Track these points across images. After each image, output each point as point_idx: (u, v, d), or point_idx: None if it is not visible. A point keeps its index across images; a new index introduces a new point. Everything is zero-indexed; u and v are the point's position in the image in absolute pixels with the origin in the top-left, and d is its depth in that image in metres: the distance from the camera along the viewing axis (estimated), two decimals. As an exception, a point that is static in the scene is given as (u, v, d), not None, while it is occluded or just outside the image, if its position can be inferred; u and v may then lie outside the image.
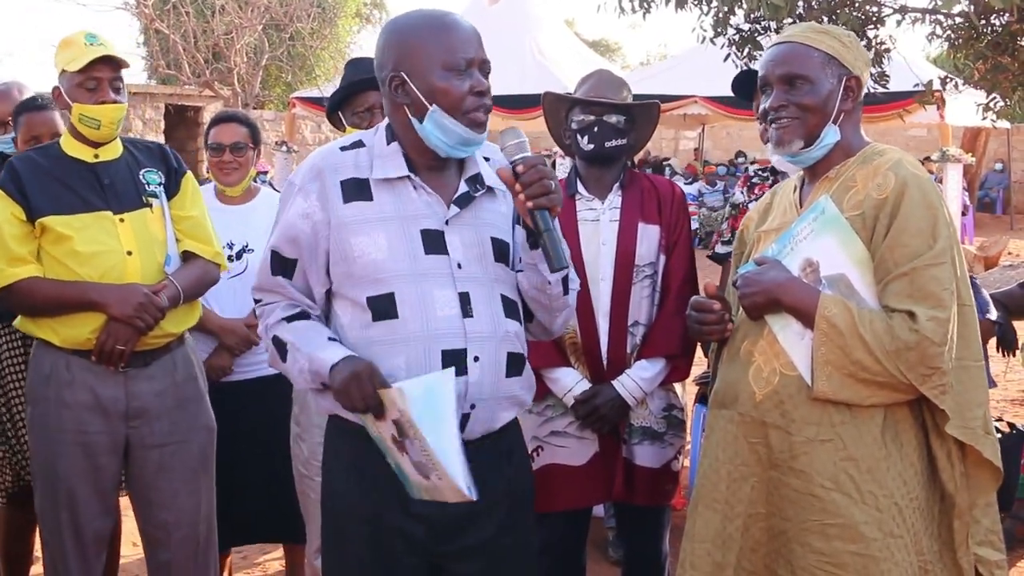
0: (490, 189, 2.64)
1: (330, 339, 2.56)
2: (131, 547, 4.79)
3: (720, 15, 7.06)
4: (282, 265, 2.61)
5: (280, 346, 2.59)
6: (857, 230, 2.56)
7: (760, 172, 3.99)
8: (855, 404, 2.52)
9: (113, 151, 3.56)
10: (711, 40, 7.56)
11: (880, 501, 2.50)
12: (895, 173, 2.57)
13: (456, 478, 2.38)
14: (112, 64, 3.47)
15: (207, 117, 22.62)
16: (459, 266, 2.54)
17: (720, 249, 3.96)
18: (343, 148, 2.64)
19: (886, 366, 2.45)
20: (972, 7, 7.19)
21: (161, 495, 3.55)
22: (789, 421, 2.55)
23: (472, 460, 2.50)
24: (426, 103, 2.50)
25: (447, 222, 2.56)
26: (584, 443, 3.69)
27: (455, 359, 2.49)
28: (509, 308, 2.61)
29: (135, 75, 24.26)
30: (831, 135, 2.66)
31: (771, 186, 3.78)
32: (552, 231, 2.46)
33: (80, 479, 3.44)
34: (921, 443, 2.57)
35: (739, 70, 8.21)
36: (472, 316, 2.53)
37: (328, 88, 19.74)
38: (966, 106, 11.84)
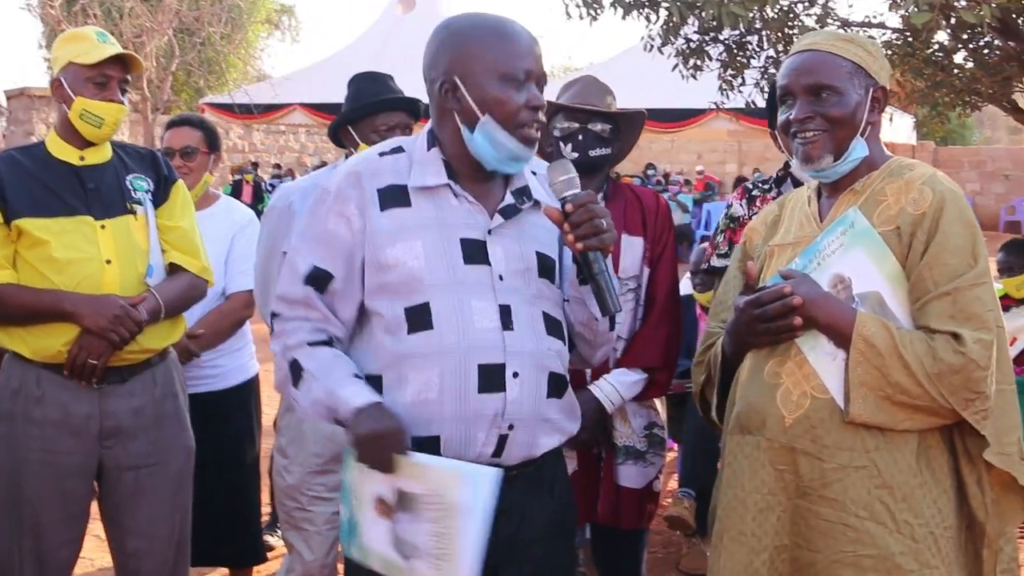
0: (537, 203, 2.48)
1: (355, 375, 2.40)
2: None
3: (670, 24, 7.03)
4: (315, 277, 2.43)
5: (296, 371, 2.42)
6: (891, 246, 2.44)
7: (760, 184, 3.84)
8: (889, 428, 2.39)
9: (101, 155, 3.36)
10: (659, 49, 7.56)
11: (916, 530, 2.37)
12: (932, 188, 2.46)
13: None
14: (123, 66, 3.32)
15: (114, 121, 22.04)
16: (500, 278, 2.39)
17: (716, 262, 3.82)
18: (382, 154, 2.49)
19: (928, 389, 2.33)
20: (902, 23, 7.27)
21: (134, 521, 3.34)
22: (821, 447, 2.41)
23: (511, 490, 2.36)
24: (478, 112, 2.36)
25: (490, 232, 2.42)
26: None
27: (493, 374, 2.34)
28: (552, 326, 2.46)
29: (39, 78, 23.57)
30: (859, 149, 2.53)
31: (775, 199, 3.65)
32: (604, 272, 2.34)
33: (47, 503, 3.22)
34: (952, 468, 2.46)
35: (661, 81, 8.29)
36: (513, 329, 2.37)
37: (238, 95, 19.45)
38: (897, 125, 12.04)
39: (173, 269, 3.41)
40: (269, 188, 21.63)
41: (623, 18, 7.22)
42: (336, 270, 2.42)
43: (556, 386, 2.45)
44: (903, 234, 2.44)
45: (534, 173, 2.56)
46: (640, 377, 3.56)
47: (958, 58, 8.09)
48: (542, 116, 2.42)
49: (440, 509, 2.24)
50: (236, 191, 20.72)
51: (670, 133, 18.18)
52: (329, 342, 2.46)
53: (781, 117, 2.59)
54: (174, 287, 3.36)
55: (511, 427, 2.37)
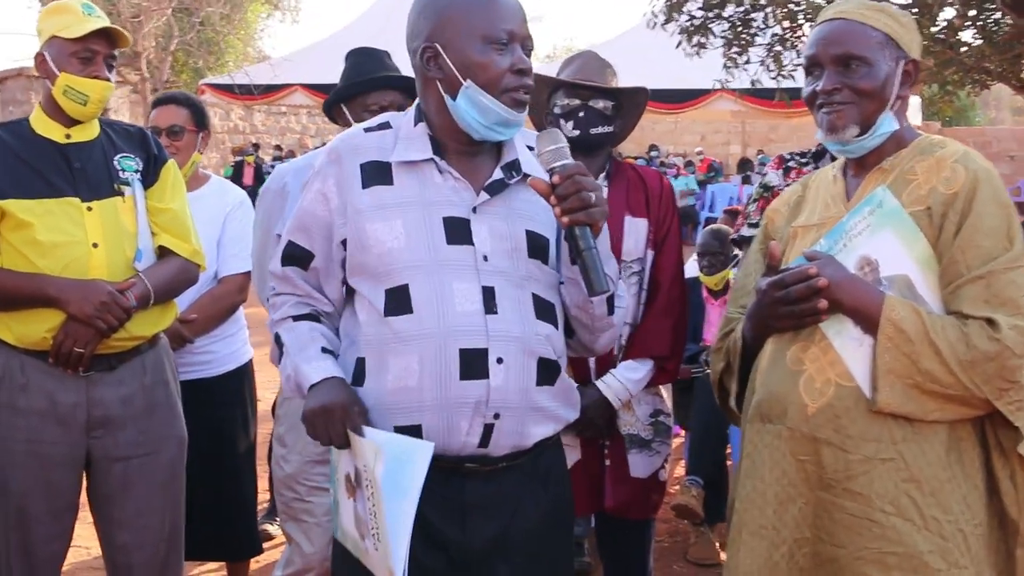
0: (527, 177, 2.35)
1: (324, 350, 2.32)
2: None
3: (673, 0, 6.92)
4: (293, 256, 2.39)
5: (280, 346, 2.41)
6: (922, 227, 2.30)
7: (798, 157, 3.68)
8: (918, 419, 2.26)
9: (88, 132, 3.22)
10: (662, 26, 7.44)
11: (944, 528, 2.24)
12: (964, 166, 2.33)
13: (395, 559, 2.11)
14: (109, 40, 3.17)
15: (113, 102, 21.98)
16: (485, 259, 2.27)
17: (747, 231, 3.66)
18: (367, 130, 2.40)
19: (960, 378, 2.20)
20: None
21: (124, 513, 3.21)
22: (845, 437, 2.28)
23: (501, 482, 2.28)
24: (460, 78, 2.24)
25: (474, 210, 2.30)
26: (566, 450, 3.43)
27: (475, 360, 2.22)
28: (542, 309, 2.33)
29: (36, 58, 23.32)
30: (888, 123, 2.40)
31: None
32: (591, 250, 2.20)
33: (33, 495, 3.10)
34: (983, 463, 2.32)
35: (669, 57, 8.18)
36: (496, 313, 2.25)
37: (238, 75, 19.31)
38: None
39: (163, 253, 3.28)
40: (270, 169, 21.51)
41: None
42: (316, 249, 2.37)
43: (547, 372, 2.33)
44: (934, 215, 2.30)
45: (530, 148, 2.43)
46: (648, 370, 3.45)
47: (966, 36, 7.98)
48: (529, 80, 2.30)
49: (371, 484, 2.17)
50: (237, 173, 20.66)
51: (673, 114, 18.06)
52: (315, 316, 2.41)
53: (807, 89, 2.46)
54: (164, 272, 3.24)
55: (497, 416, 2.25)
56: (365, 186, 2.30)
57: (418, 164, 2.32)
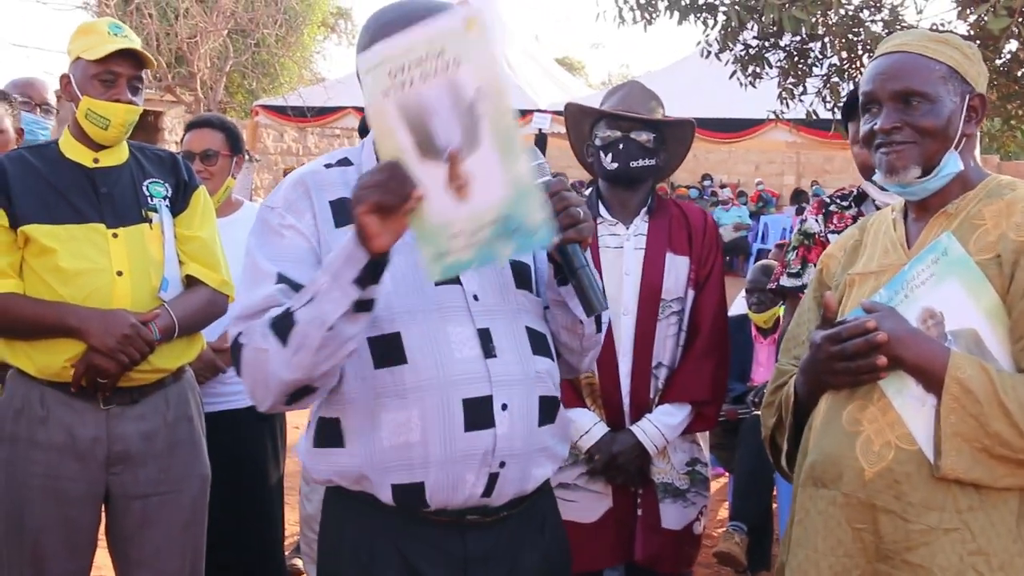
0: None
1: None
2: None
3: (728, 29, 6.76)
4: (288, 286, 2.07)
5: (282, 324, 1.98)
6: (990, 277, 2.13)
7: (839, 200, 3.51)
8: (986, 486, 2.08)
9: (117, 156, 3.14)
10: (716, 56, 7.29)
11: None
12: None
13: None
14: (135, 61, 3.08)
15: (168, 122, 22.16)
16: (475, 298, 2.14)
17: (786, 281, 3.47)
18: (327, 165, 2.24)
19: None
20: (970, 30, 6.94)
21: (142, 553, 3.11)
22: (906, 505, 2.10)
23: (501, 532, 2.16)
24: None
25: None
26: (597, 498, 3.34)
27: (479, 409, 2.08)
28: (537, 343, 2.21)
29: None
30: (952, 163, 2.23)
31: (853, 218, 3.32)
32: (586, 268, 2.07)
33: (50, 532, 2.99)
34: None
35: (730, 87, 8.05)
36: (496, 356, 2.11)
37: (292, 97, 19.38)
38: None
39: (191, 282, 3.18)
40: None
41: (679, 23, 6.97)
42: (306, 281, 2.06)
43: (548, 410, 2.21)
44: (1004, 263, 2.12)
45: None
46: (686, 415, 3.33)
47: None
48: None
49: (443, 65, 1.84)
50: (287, 194, 20.66)
51: (727, 143, 17.89)
52: None
53: (864, 127, 2.29)
54: (191, 302, 3.14)
55: (502, 464, 2.12)
56: (339, 225, 2.13)
57: None
